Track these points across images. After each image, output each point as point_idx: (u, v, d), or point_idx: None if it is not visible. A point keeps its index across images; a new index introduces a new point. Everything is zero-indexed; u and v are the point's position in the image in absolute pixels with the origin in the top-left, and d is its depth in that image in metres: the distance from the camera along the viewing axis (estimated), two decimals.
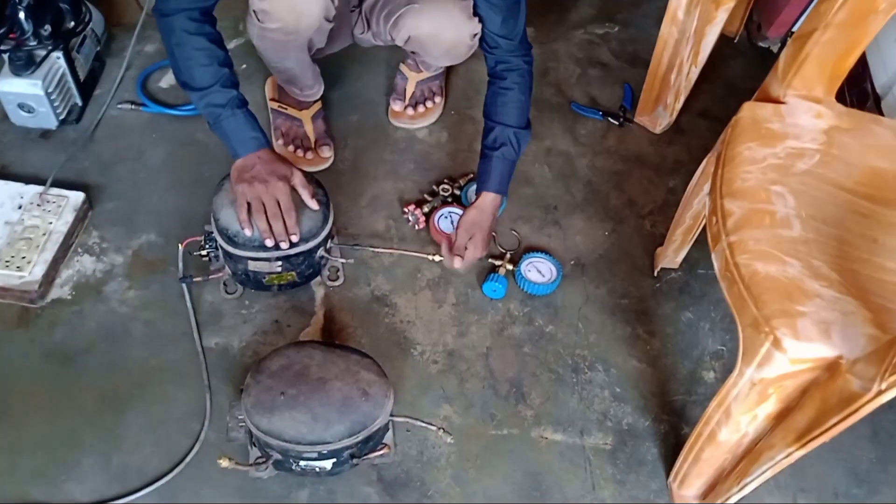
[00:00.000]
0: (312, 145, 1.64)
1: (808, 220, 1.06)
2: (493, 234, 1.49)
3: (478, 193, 1.44)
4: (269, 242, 1.27)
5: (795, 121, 1.18)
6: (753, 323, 0.97)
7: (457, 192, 1.60)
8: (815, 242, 1.04)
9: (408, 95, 1.72)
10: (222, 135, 1.28)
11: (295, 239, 1.28)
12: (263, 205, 1.25)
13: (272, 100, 1.68)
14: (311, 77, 1.58)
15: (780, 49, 1.91)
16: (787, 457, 1.01)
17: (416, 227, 1.55)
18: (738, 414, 1.05)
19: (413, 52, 1.58)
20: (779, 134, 1.16)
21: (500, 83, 1.42)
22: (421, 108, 1.72)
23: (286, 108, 1.64)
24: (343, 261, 1.45)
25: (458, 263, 1.39)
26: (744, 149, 1.14)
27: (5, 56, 1.53)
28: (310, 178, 1.35)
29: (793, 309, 0.95)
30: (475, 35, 1.41)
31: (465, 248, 1.40)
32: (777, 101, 1.21)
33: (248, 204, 1.26)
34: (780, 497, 1.28)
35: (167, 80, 1.76)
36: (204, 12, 1.23)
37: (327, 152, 1.63)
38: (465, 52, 1.48)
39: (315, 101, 1.66)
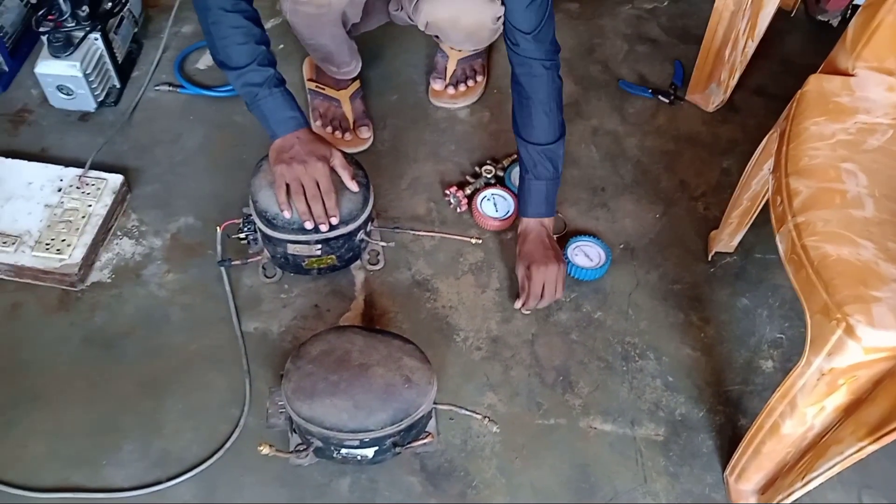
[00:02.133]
0: (351, 126, 1.60)
1: (881, 200, 0.99)
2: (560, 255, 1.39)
3: (520, 222, 1.40)
4: (309, 225, 1.24)
5: (866, 94, 1.11)
6: (823, 309, 0.91)
7: (500, 173, 1.55)
8: (889, 223, 0.97)
9: (448, 74, 1.67)
10: (260, 115, 1.24)
11: (335, 221, 1.25)
12: (303, 186, 1.22)
13: (310, 80, 1.65)
14: (348, 53, 1.54)
15: (840, 23, 1.83)
16: (857, 451, 0.95)
17: (458, 209, 1.51)
18: (804, 406, 0.99)
19: (436, 37, 1.53)
20: (848, 108, 1.09)
21: (521, 91, 1.33)
22: (462, 87, 1.68)
23: (324, 89, 1.61)
24: (383, 244, 1.41)
25: (542, 304, 1.36)
26: (810, 124, 1.07)
27: (44, 38, 1.52)
28: (350, 159, 1.31)
29: (867, 294, 0.89)
30: (498, 18, 1.36)
31: (542, 295, 1.34)
32: (846, 74, 1.14)
33: (287, 185, 1.23)
34: (843, 494, 1.21)
35: (204, 61, 1.74)
36: None
37: (366, 133, 1.60)
38: (487, 37, 1.43)
39: (353, 81, 1.62)
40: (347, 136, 1.59)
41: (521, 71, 1.32)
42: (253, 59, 1.21)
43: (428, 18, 1.40)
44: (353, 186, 1.27)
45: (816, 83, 1.12)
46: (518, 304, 1.36)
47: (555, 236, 1.42)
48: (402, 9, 1.52)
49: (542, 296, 1.34)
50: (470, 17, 1.37)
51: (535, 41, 1.28)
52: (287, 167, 1.22)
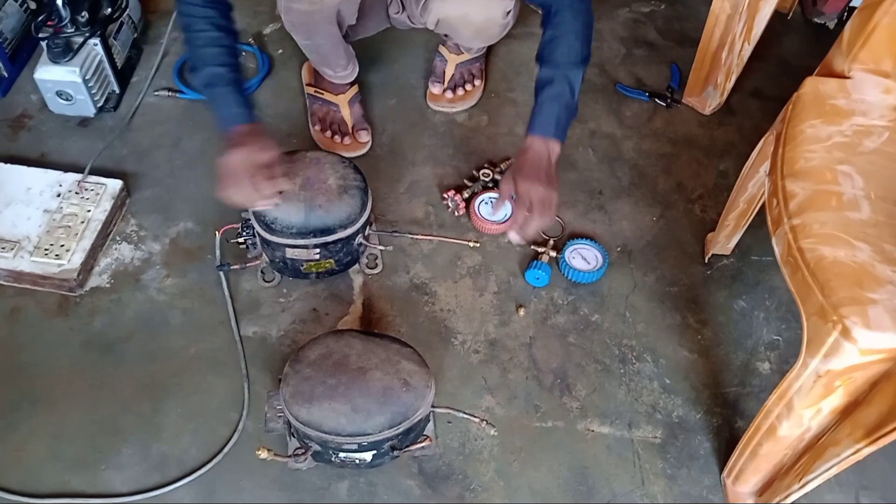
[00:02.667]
0: (350, 130, 1.60)
1: (877, 202, 0.99)
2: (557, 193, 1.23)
3: (524, 141, 1.26)
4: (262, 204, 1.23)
5: (862, 96, 1.11)
6: (820, 311, 0.91)
7: (497, 176, 1.56)
8: (886, 225, 0.97)
9: (447, 78, 1.68)
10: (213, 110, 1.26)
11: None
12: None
13: (308, 85, 1.65)
14: (344, 56, 1.54)
15: (837, 25, 1.83)
16: (854, 453, 0.95)
17: (456, 213, 1.51)
18: (800, 408, 0.99)
19: (446, 36, 1.53)
20: (844, 110, 1.09)
21: (549, 22, 1.26)
22: (460, 91, 1.68)
23: (322, 93, 1.61)
24: (381, 248, 1.42)
25: (527, 234, 1.21)
26: (806, 126, 1.07)
27: (43, 43, 1.53)
28: (347, 162, 1.31)
29: (863, 296, 0.89)
30: (508, 12, 1.35)
31: (530, 213, 1.19)
32: (842, 76, 1.14)
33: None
34: (841, 495, 1.21)
35: None
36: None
37: (365, 137, 1.60)
38: (498, 33, 1.42)
39: (351, 85, 1.62)
40: (346, 140, 1.59)
41: (551, 3, 1.26)
42: (213, 62, 1.23)
43: (438, 16, 1.40)
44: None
45: (812, 85, 1.13)
46: (512, 235, 1.23)
47: (551, 239, 1.42)
48: (403, 10, 1.52)
49: (531, 214, 1.20)
50: (480, 12, 1.36)
51: None
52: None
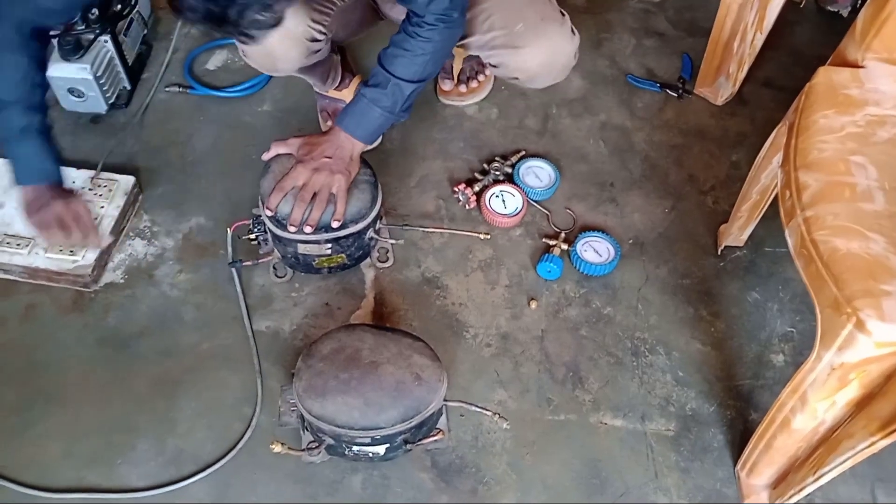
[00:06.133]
0: None
1: (891, 193, 0.98)
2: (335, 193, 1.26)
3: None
4: (292, 228, 1.26)
5: (876, 86, 1.10)
6: (833, 304, 0.90)
7: (508, 170, 1.55)
8: None
9: (455, 72, 1.67)
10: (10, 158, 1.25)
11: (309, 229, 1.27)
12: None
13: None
14: (319, 78, 1.53)
15: (851, 13, 1.81)
16: (869, 446, 0.94)
17: (467, 206, 1.51)
18: (814, 400, 0.99)
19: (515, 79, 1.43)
20: (858, 100, 1.08)
21: (407, 29, 1.21)
22: (473, 84, 1.67)
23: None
24: (393, 242, 1.42)
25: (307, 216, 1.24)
26: (819, 117, 1.06)
27: (54, 41, 1.53)
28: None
29: (877, 288, 0.88)
30: (576, 55, 1.36)
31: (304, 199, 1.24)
32: (855, 66, 1.13)
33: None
34: (856, 488, 1.21)
35: (214, 62, 1.75)
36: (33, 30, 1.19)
37: None
38: (567, 72, 1.40)
39: (353, 79, 1.62)
40: None
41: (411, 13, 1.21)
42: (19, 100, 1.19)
43: (519, 74, 1.36)
44: None
45: (825, 75, 1.12)
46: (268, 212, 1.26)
47: (562, 232, 1.41)
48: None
49: (303, 200, 1.24)
50: (563, 56, 1.34)
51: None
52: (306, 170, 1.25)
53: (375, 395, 1.10)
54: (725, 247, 1.45)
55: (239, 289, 1.38)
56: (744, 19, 1.53)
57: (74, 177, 1.48)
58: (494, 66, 1.39)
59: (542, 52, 1.32)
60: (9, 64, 1.18)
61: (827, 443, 1.03)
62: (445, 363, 1.18)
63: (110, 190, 1.46)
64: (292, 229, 1.25)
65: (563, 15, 1.35)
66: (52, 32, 1.53)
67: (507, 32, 1.31)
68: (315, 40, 1.28)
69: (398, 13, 1.48)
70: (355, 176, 1.30)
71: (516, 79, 1.39)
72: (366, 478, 1.20)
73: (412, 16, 1.21)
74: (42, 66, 1.23)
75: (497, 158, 1.57)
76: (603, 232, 1.45)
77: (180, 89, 1.68)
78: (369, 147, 1.33)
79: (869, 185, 0.99)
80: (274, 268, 1.41)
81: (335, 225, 1.26)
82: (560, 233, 1.46)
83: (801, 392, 1.00)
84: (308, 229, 1.25)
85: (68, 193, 1.30)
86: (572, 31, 1.35)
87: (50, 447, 1.21)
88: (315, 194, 1.25)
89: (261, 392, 1.27)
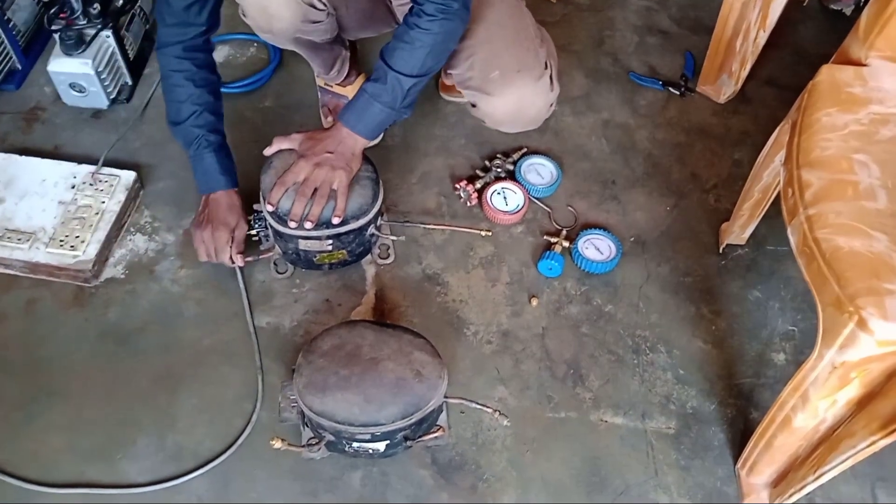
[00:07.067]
0: None
1: (894, 191, 0.98)
2: (336, 189, 1.26)
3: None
4: (293, 224, 1.27)
5: (879, 84, 1.10)
6: (835, 302, 0.90)
7: (510, 167, 1.55)
8: None
9: None
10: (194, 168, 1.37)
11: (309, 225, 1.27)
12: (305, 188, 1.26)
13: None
14: (323, 65, 1.53)
15: (854, 11, 1.81)
16: (870, 445, 0.94)
17: (468, 203, 1.51)
18: (816, 399, 0.98)
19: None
20: (861, 99, 1.08)
21: (407, 20, 1.20)
22: None
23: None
24: (394, 238, 1.42)
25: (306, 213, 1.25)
26: (822, 115, 1.06)
27: (56, 36, 1.53)
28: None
29: (880, 287, 0.88)
30: (551, 105, 1.37)
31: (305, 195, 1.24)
32: (858, 64, 1.13)
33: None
34: (856, 487, 1.21)
35: (216, 57, 1.73)
36: (188, 48, 1.29)
37: None
38: (539, 124, 1.42)
39: (358, 75, 1.61)
40: None
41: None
42: (188, 117, 1.31)
43: (486, 119, 1.39)
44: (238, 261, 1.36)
45: (828, 73, 1.11)
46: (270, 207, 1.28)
47: (564, 229, 1.41)
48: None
49: (304, 197, 1.25)
50: (532, 108, 1.35)
51: None
52: (307, 165, 1.25)
53: (376, 392, 1.10)
54: (727, 245, 1.45)
55: (240, 284, 1.37)
56: (747, 17, 1.52)
57: (75, 172, 1.48)
58: (471, 104, 1.41)
59: (509, 104, 1.33)
60: (177, 74, 1.32)
61: (828, 442, 1.03)
62: (446, 360, 1.18)
63: (112, 185, 1.46)
64: (293, 225, 1.25)
65: (547, 67, 1.34)
66: (53, 27, 1.53)
67: (483, 77, 1.32)
68: (312, 6, 1.28)
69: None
70: (357, 172, 1.30)
71: (483, 122, 1.41)
72: (365, 474, 1.20)
73: (414, 6, 1.20)
74: (207, 62, 1.35)
75: (499, 155, 1.57)
76: (604, 229, 1.45)
77: None
78: (371, 143, 1.33)
79: (872, 183, 0.99)
80: (275, 264, 1.41)
81: (336, 221, 1.26)
82: (561, 230, 1.46)
83: (802, 390, 1.00)
84: (308, 225, 1.25)
85: (231, 213, 1.35)
86: (551, 82, 1.35)
87: (51, 442, 1.21)
88: (316, 190, 1.25)
89: (261, 388, 1.27)
